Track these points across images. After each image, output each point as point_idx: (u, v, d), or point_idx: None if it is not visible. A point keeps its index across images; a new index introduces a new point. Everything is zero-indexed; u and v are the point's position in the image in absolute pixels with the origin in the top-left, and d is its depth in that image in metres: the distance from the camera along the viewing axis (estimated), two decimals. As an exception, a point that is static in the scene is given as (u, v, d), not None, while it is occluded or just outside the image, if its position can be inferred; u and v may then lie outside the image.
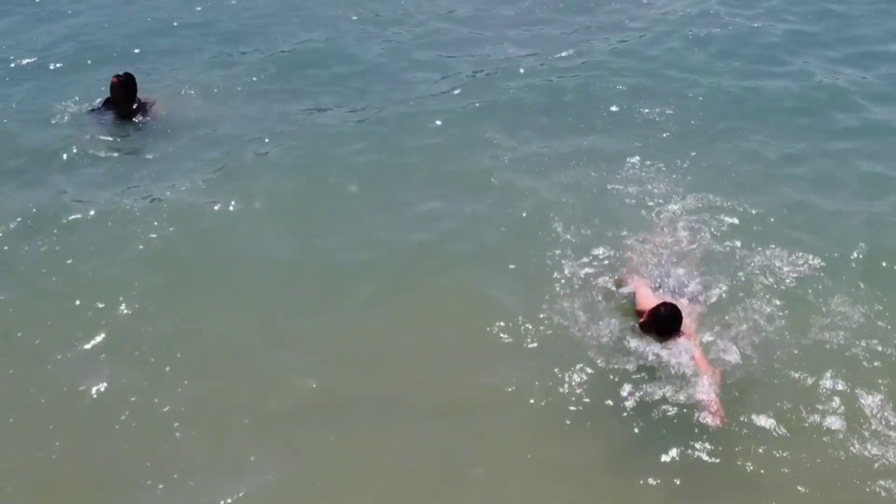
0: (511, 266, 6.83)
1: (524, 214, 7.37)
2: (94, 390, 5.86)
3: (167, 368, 6.02)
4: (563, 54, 10.14)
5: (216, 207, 7.54)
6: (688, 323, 5.95)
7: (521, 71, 9.78)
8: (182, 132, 8.68)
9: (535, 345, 6.10)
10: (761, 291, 6.48)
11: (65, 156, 8.24)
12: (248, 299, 6.65)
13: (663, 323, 5.83)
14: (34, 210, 7.46)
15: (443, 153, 8.24)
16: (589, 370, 5.84)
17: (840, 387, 5.74)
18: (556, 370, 5.87)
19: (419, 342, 6.24)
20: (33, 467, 5.42)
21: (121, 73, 8.76)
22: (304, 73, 9.78)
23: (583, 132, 8.51)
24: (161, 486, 5.26)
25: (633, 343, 5.93)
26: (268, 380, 5.96)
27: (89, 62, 9.94)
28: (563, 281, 6.56)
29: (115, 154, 8.34)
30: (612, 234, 7.03)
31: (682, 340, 5.81)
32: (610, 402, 5.63)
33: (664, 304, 5.88)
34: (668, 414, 5.55)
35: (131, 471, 5.37)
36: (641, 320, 5.95)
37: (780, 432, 5.48)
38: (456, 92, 9.37)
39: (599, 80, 9.43)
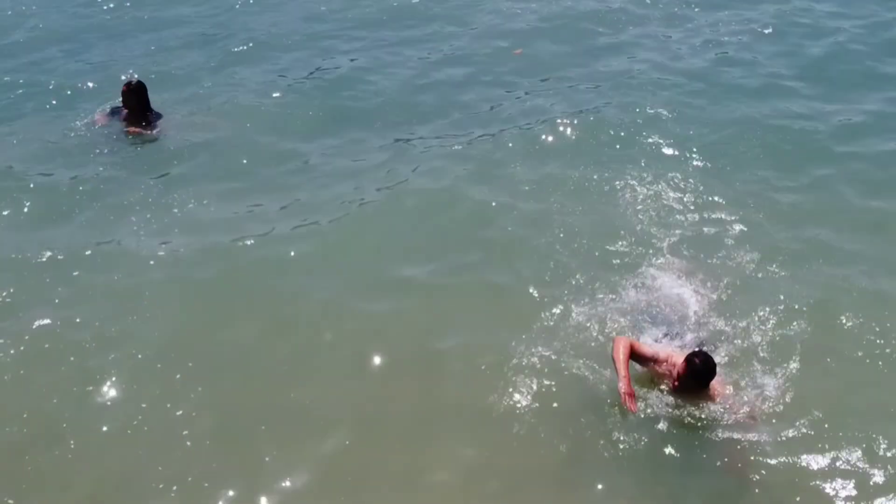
0: (533, 290, 6.86)
1: (537, 243, 7.40)
2: (105, 394, 5.91)
3: (178, 376, 6.06)
4: (574, 79, 10.26)
5: (227, 227, 7.57)
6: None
7: (535, 96, 9.88)
8: (194, 151, 8.69)
9: (546, 364, 6.15)
10: (776, 326, 6.45)
11: (75, 175, 8.25)
12: (260, 311, 6.72)
13: (700, 375, 5.55)
14: (47, 229, 7.50)
15: (463, 182, 8.28)
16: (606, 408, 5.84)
17: (861, 431, 5.68)
18: (566, 400, 5.92)
19: (427, 354, 6.33)
20: (45, 468, 5.42)
21: (132, 80, 8.85)
22: (317, 96, 9.79)
23: (595, 163, 8.52)
24: (174, 489, 5.28)
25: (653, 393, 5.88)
26: (282, 387, 6.01)
27: (107, 86, 9.79)
28: (580, 315, 6.57)
29: (126, 173, 8.33)
30: (621, 261, 7.17)
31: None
32: (628, 437, 5.64)
33: (695, 353, 5.59)
34: (690, 448, 5.58)
35: (143, 474, 5.39)
36: (677, 377, 5.65)
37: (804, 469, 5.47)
38: (474, 119, 9.44)
39: (613, 109, 9.52)
